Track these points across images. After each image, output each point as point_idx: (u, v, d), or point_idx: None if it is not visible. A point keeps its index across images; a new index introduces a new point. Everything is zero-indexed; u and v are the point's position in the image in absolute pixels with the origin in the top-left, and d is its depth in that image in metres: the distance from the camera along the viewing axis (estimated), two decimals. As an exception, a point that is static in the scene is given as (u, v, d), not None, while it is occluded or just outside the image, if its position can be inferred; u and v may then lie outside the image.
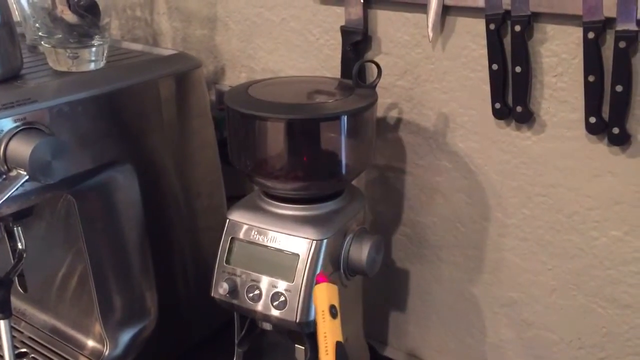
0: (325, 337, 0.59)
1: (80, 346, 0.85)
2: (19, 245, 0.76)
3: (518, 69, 0.69)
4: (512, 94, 0.71)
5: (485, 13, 0.69)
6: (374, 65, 0.74)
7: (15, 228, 0.75)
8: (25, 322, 0.90)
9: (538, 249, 0.76)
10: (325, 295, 0.61)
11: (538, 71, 0.70)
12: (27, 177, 0.61)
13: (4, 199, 0.60)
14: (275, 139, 0.69)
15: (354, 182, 0.78)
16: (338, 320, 0.60)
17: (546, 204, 0.74)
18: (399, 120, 0.82)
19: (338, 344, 0.59)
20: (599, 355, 0.76)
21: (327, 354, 0.58)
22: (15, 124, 0.62)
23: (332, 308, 0.60)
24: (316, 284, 0.63)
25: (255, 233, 0.69)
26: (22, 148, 0.60)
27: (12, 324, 0.78)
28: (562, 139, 0.71)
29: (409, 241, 0.87)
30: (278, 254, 0.67)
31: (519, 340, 0.82)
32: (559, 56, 0.68)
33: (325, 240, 0.67)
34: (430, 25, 0.74)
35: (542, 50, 0.69)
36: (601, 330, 0.75)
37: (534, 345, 0.81)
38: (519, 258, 0.78)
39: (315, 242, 0.66)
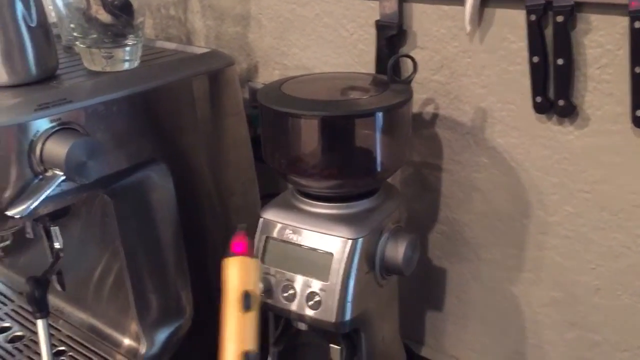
0: (229, 340, 0.39)
1: (117, 344, 0.86)
2: (56, 245, 0.77)
3: (560, 61, 0.67)
4: (554, 87, 0.69)
5: (525, 4, 0.67)
6: (409, 60, 0.73)
7: (52, 228, 0.76)
8: (63, 320, 0.92)
9: (581, 247, 0.74)
10: (238, 275, 0.39)
11: (581, 63, 0.68)
12: (63, 177, 0.61)
13: (40, 199, 0.61)
14: (309, 136, 0.68)
15: (389, 180, 0.77)
16: (253, 315, 0.39)
17: (590, 201, 0.72)
18: (435, 116, 0.81)
19: (246, 356, 0.38)
20: (646, 358, 0.74)
21: None
22: (51, 125, 0.62)
23: (245, 296, 0.39)
24: (229, 254, 0.41)
25: (290, 232, 0.68)
26: (58, 148, 0.61)
27: (50, 322, 0.79)
28: (606, 133, 0.68)
29: (446, 239, 0.86)
30: (312, 253, 0.67)
31: (561, 341, 0.80)
32: (603, 47, 0.66)
33: (360, 239, 0.66)
34: (467, 17, 0.72)
35: (586, 41, 0.67)
36: (648, 332, 0.73)
37: (577, 347, 0.79)
38: (561, 257, 0.76)
39: (350, 241, 0.65)
